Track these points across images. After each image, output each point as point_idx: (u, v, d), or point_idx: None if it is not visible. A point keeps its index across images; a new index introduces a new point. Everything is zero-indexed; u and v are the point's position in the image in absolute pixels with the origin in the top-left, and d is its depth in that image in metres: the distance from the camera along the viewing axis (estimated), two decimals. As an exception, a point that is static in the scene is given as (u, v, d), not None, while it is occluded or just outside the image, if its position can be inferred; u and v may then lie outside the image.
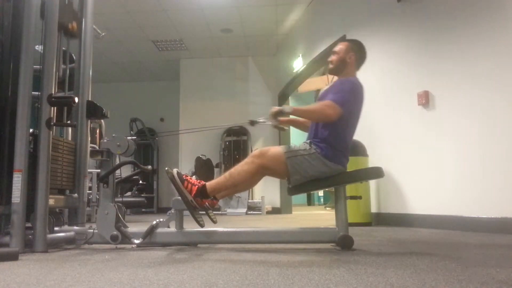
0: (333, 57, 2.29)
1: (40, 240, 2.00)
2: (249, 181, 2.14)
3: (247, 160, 2.08)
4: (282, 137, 6.81)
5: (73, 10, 2.49)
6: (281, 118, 2.27)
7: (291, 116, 2.35)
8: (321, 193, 13.52)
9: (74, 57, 2.72)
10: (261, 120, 2.41)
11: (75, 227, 2.34)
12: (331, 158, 2.05)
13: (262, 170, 2.08)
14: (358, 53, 2.28)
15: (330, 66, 2.29)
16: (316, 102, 2.30)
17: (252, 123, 2.48)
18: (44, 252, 1.98)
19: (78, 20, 2.54)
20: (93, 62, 2.72)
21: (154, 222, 2.16)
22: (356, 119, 2.19)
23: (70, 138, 2.63)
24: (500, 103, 2.80)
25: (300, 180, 2.07)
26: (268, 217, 5.90)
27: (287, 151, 2.07)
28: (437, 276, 1.27)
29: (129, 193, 7.08)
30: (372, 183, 4.02)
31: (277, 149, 2.10)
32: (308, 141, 2.14)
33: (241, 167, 2.07)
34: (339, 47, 2.30)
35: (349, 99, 2.11)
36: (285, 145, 2.15)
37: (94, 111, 2.53)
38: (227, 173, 2.11)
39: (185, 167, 7.24)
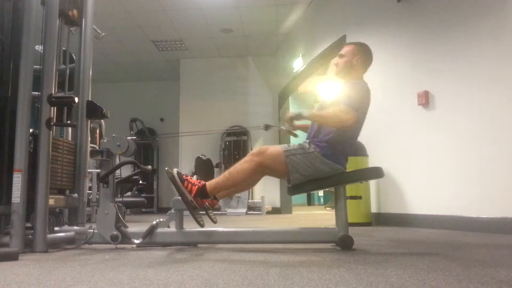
0: (339, 60, 2.27)
1: (40, 240, 2.00)
2: (248, 181, 2.14)
3: (246, 158, 2.07)
4: (282, 137, 6.81)
5: None
6: (295, 124, 2.28)
7: (304, 122, 2.35)
8: (321, 193, 13.52)
9: (74, 57, 2.72)
10: (276, 126, 2.40)
11: (75, 227, 2.34)
12: (329, 157, 2.06)
13: (262, 169, 2.08)
14: (364, 55, 2.27)
15: (336, 69, 2.28)
16: (319, 107, 2.29)
17: (267, 127, 2.44)
18: (44, 252, 1.98)
19: (78, 8, 2.51)
20: (93, 62, 2.72)
21: (154, 222, 2.16)
22: (363, 122, 2.20)
23: (70, 138, 2.63)
24: (500, 103, 2.80)
25: (300, 179, 2.07)
26: (268, 217, 5.90)
27: (287, 150, 2.08)
28: (437, 276, 1.27)
29: (129, 193, 7.07)
30: (372, 183, 4.02)
31: (276, 148, 2.10)
32: (307, 140, 2.14)
33: (241, 166, 2.06)
34: (346, 49, 2.28)
35: (361, 103, 2.11)
36: (284, 144, 2.15)
37: (94, 111, 2.53)
38: (226, 172, 2.11)
39: (185, 167, 7.24)
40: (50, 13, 2.20)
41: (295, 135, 2.36)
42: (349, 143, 2.15)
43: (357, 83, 2.19)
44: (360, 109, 2.09)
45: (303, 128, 2.43)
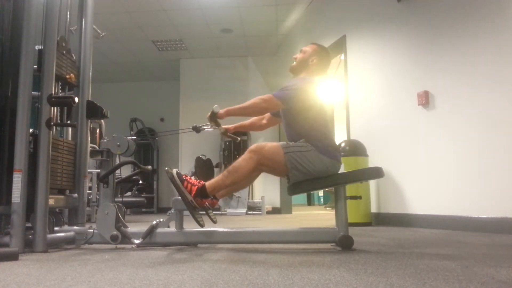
0: (298, 55, 2.33)
1: (40, 240, 2.00)
2: (247, 178, 2.14)
3: (244, 156, 2.07)
4: (282, 137, 6.81)
5: (71, 60, 2.49)
6: (227, 126, 2.32)
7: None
8: (321, 193, 13.53)
9: (74, 57, 2.72)
10: (205, 127, 2.35)
11: (75, 227, 2.34)
12: (326, 154, 2.08)
13: (260, 167, 2.09)
14: (321, 60, 2.31)
15: (293, 63, 2.34)
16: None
17: (196, 129, 2.37)
18: (44, 252, 1.98)
19: (76, 71, 2.54)
20: (93, 62, 2.72)
21: (154, 222, 2.16)
22: (321, 114, 2.20)
23: (70, 138, 2.63)
24: (500, 102, 2.80)
25: (299, 176, 2.08)
26: (268, 217, 5.90)
27: (285, 147, 2.08)
28: (437, 276, 1.27)
29: (129, 193, 7.07)
30: (372, 183, 4.02)
31: (274, 145, 2.10)
32: (303, 139, 2.14)
33: (239, 164, 2.07)
34: (306, 48, 2.34)
35: (294, 94, 2.13)
36: (282, 142, 2.15)
37: (94, 111, 2.53)
38: (225, 171, 2.11)
39: (185, 167, 7.24)
40: (50, 14, 2.20)
41: (236, 139, 2.36)
42: (329, 136, 2.17)
43: (297, 78, 2.25)
44: (291, 99, 2.11)
45: (238, 128, 2.46)
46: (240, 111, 2.17)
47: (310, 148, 2.08)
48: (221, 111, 2.13)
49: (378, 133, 4.02)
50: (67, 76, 2.41)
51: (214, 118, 2.17)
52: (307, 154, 2.06)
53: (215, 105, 2.12)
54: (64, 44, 2.42)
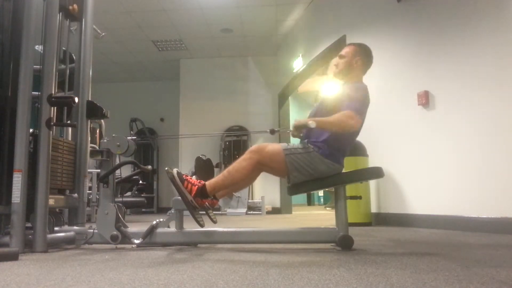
0: (339, 61, 2.27)
1: (40, 240, 2.00)
2: (247, 178, 2.14)
3: (244, 156, 2.07)
4: (282, 139, 6.80)
5: None
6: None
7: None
8: (321, 193, 13.52)
9: (74, 57, 2.72)
10: (281, 130, 2.36)
11: (75, 227, 2.34)
12: (328, 157, 2.06)
13: (260, 166, 2.09)
14: (365, 57, 2.26)
15: (336, 70, 2.28)
16: (316, 106, 2.28)
17: (272, 132, 2.39)
18: (44, 252, 1.98)
19: (79, 2, 2.52)
20: (93, 62, 2.72)
21: (154, 222, 2.16)
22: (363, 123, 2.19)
23: (70, 138, 2.63)
24: (500, 103, 2.80)
25: (299, 178, 2.07)
26: (268, 217, 5.90)
27: (286, 149, 2.08)
28: (437, 276, 1.27)
29: (129, 193, 7.07)
30: (372, 183, 4.02)
31: (275, 146, 2.10)
32: (305, 140, 2.14)
33: (239, 164, 2.07)
34: (346, 50, 2.27)
35: (363, 106, 2.11)
36: (283, 143, 2.14)
37: (94, 111, 2.53)
38: (225, 171, 2.11)
39: (185, 167, 7.24)
40: (50, 12, 2.21)
41: (302, 138, 2.36)
42: (347, 143, 2.15)
43: (358, 86, 2.18)
44: (363, 112, 2.09)
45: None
46: (327, 126, 2.05)
47: (311, 150, 2.07)
48: (312, 124, 1.99)
49: (378, 133, 4.02)
50: (70, 7, 2.39)
51: (302, 129, 2.10)
52: (308, 156, 2.06)
53: (311, 122, 1.99)
54: None
